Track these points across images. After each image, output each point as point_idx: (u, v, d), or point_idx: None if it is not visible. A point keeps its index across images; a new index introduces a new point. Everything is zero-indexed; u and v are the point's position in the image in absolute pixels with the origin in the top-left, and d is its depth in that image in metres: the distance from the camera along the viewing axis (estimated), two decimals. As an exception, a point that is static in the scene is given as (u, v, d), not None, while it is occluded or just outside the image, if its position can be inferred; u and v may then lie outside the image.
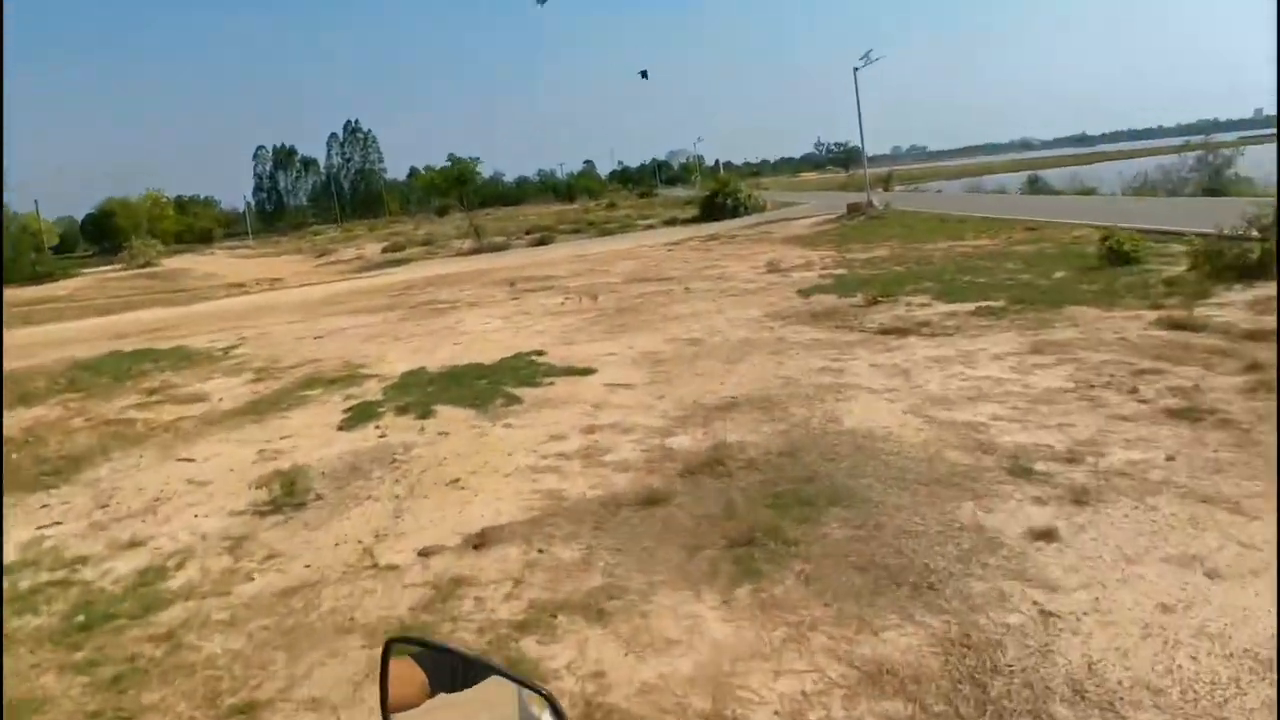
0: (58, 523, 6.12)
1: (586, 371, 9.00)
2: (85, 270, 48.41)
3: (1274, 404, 5.59)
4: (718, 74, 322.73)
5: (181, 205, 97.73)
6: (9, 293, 33.53)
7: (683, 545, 4.55)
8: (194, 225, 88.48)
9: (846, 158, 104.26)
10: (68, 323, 23.37)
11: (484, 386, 8.71)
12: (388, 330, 14.03)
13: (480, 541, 4.89)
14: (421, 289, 21.05)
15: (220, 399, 9.81)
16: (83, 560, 5.35)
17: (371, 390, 9.23)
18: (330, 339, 13.73)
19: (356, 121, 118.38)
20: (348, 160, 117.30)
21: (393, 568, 4.70)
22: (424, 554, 4.84)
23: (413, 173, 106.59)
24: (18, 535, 5.93)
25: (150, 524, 5.91)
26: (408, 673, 1.10)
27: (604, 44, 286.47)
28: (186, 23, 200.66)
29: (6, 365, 14.39)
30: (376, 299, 19.81)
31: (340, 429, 7.84)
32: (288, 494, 6.00)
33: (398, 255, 37.25)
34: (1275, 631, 3.18)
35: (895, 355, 8.41)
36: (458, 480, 6.03)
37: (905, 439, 5.91)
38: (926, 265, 14.64)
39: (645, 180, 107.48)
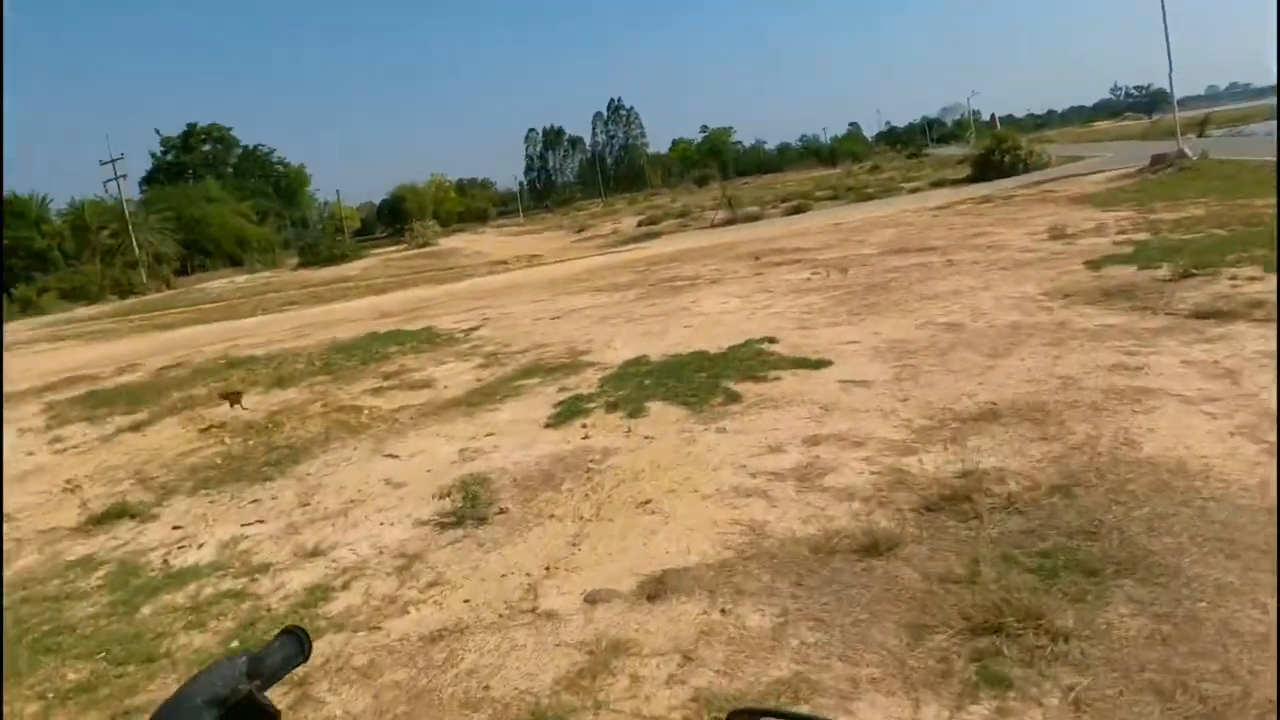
0: (260, 521, 6.06)
1: (820, 364, 7.88)
2: (376, 251, 53.37)
3: None
4: (994, 18, 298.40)
5: (461, 188, 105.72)
6: (309, 273, 37.72)
7: (906, 623, 3.44)
8: (471, 206, 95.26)
9: (1150, 102, 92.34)
10: (350, 301, 25.42)
11: (703, 380, 7.86)
12: (622, 311, 13.60)
13: (657, 591, 4.05)
14: (666, 264, 20.61)
15: (445, 386, 9.72)
16: (264, 569, 5.14)
17: (588, 381, 8.70)
18: (565, 320, 13.53)
19: (619, 100, 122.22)
20: (611, 137, 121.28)
21: (551, 616, 3.98)
22: (590, 600, 4.08)
23: (674, 145, 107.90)
24: (222, 532, 5.92)
25: (337, 529, 5.64)
26: None
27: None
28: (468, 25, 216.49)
29: (284, 341, 15.69)
30: (621, 275, 19.61)
31: (546, 426, 7.32)
32: (470, 505, 5.52)
33: (651, 229, 37.41)
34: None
35: (1216, 349, 6.55)
36: (649, 502, 5.21)
37: (1233, 476, 4.33)
38: (1256, 227, 11.85)
39: (914, 140, 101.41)
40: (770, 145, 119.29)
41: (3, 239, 28.21)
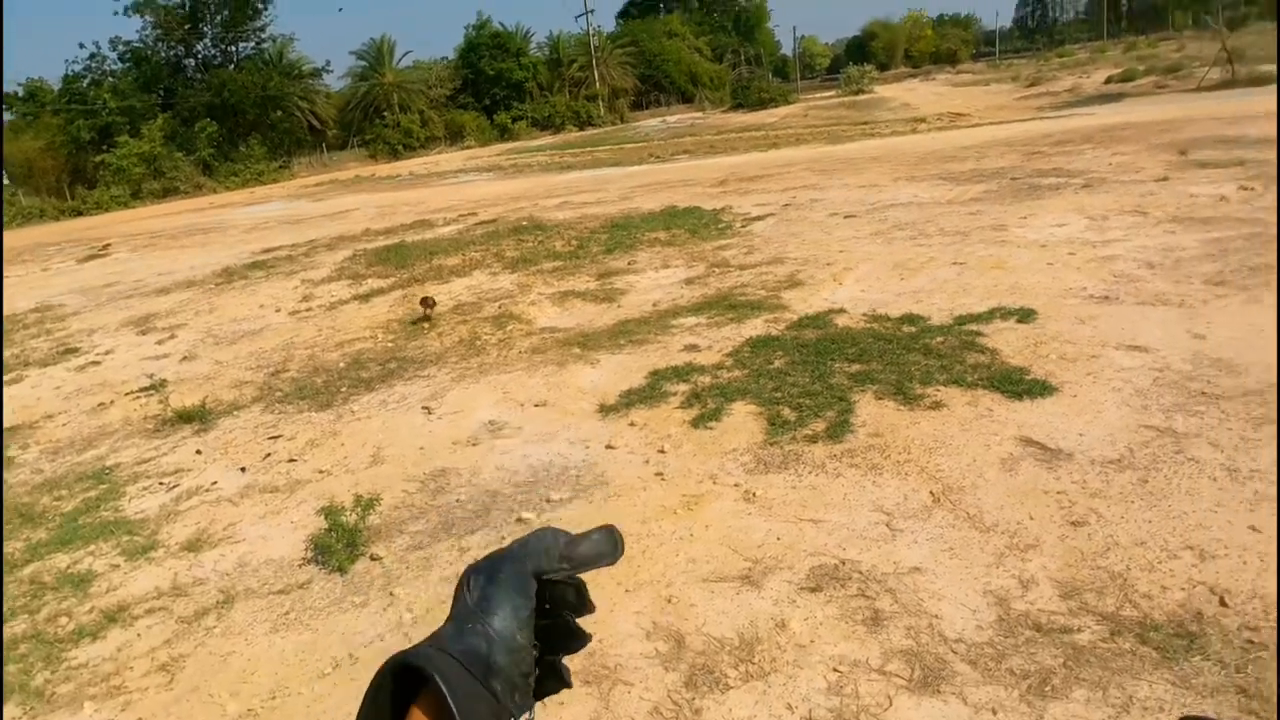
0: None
1: (1037, 390, 4.79)
2: (806, 97, 50.71)
3: None
4: None
5: (940, 25, 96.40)
6: (733, 117, 36.43)
7: None
8: (941, 47, 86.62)
9: None
10: (730, 156, 24.01)
11: (843, 379, 5.26)
12: (933, 217, 10.43)
13: None
14: (1077, 144, 15.93)
15: (620, 306, 8.10)
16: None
17: (740, 336, 6.49)
18: (861, 219, 10.78)
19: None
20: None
21: None
22: None
23: None
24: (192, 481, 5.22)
25: (239, 519, 4.60)
26: None
27: None
28: None
29: (608, 204, 14.94)
30: (1005, 157, 15.57)
31: (599, 410, 5.45)
32: (346, 544, 4.04)
33: (1119, 88, 30.16)
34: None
35: None
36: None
37: None
38: None
39: None
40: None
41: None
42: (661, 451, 4.69)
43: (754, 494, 4.05)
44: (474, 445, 5.20)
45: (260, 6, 47.91)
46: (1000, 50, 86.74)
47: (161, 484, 5.29)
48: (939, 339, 5.75)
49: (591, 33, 60.43)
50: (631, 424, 5.14)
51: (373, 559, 3.99)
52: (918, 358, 5.43)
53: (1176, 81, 28.80)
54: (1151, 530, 3.45)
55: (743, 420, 4.92)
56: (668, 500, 4.14)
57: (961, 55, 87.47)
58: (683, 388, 5.56)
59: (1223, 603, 2.98)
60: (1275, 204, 8.66)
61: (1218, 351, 5.10)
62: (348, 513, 4.18)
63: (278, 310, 10.25)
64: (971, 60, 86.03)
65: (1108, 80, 32.92)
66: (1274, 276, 6.37)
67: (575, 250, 11.22)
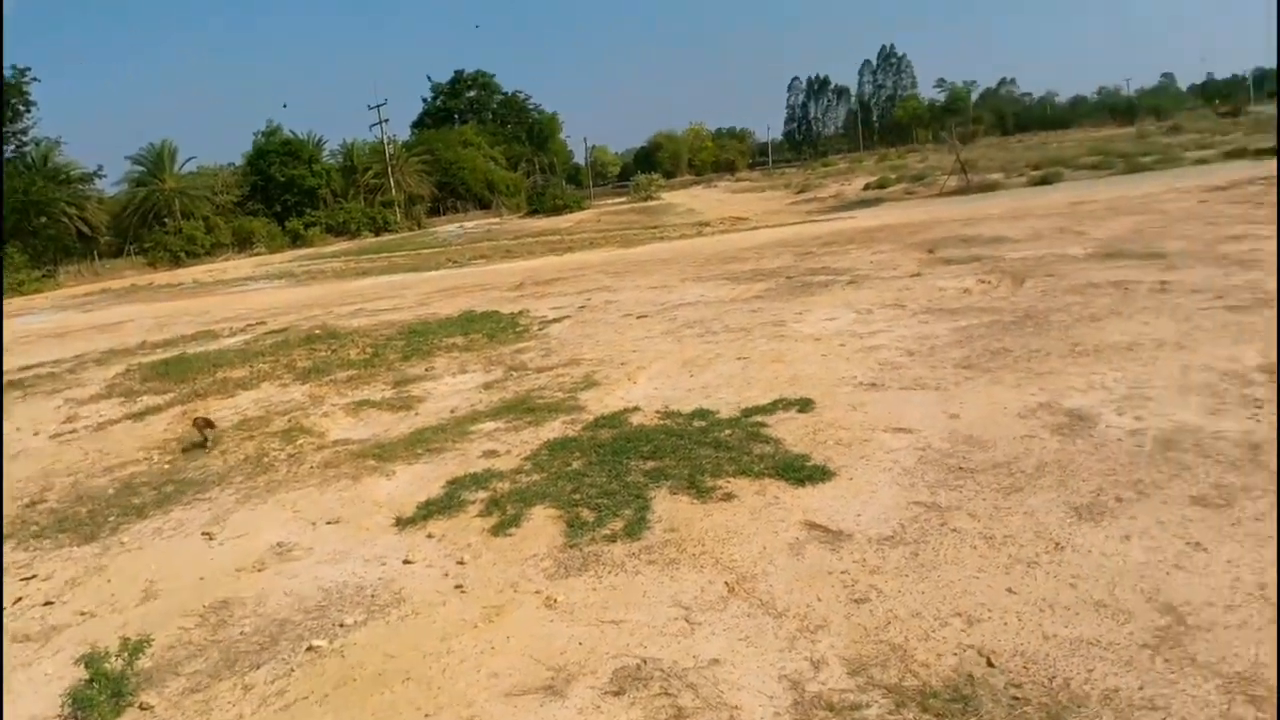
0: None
1: (815, 475, 5.10)
2: (603, 202, 52.79)
3: None
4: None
5: (719, 137, 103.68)
6: (530, 222, 37.30)
7: None
8: (721, 157, 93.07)
9: None
10: (526, 261, 24.40)
11: (639, 476, 5.39)
12: (718, 315, 11.04)
13: None
14: (841, 245, 17.45)
15: (416, 414, 7.94)
16: None
17: (538, 440, 6.52)
18: (652, 319, 11.22)
19: (892, 47, 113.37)
20: (879, 87, 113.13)
21: None
22: None
23: (900, 103, 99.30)
24: None
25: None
26: None
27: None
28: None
29: (406, 309, 14.66)
30: (780, 258, 16.75)
31: (397, 523, 5.28)
32: (111, 695, 3.62)
33: (876, 194, 33.48)
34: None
35: None
36: None
37: None
38: None
39: (1235, 96, 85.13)
40: (1062, 97, 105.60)
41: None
42: (461, 563, 4.58)
43: (555, 600, 4.03)
44: (260, 570, 4.86)
45: (21, 109, 44.57)
46: (773, 160, 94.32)
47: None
48: (727, 431, 6.04)
49: (386, 141, 60.41)
50: (429, 536, 5.00)
51: (142, 709, 3.60)
52: (709, 451, 5.66)
53: (923, 188, 32.36)
54: (924, 601, 3.72)
55: (542, 524, 4.91)
56: (468, 613, 4.03)
57: (739, 164, 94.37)
58: (482, 495, 5.49)
59: (989, 663, 3.24)
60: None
61: (969, 429, 5.66)
62: (112, 658, 3.76)
63: (35, 434, 9.25)
64: (749, 169, 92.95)
65: (865, 187, 36.49)
66: (1010, 360, 7.20)
67: (371, 358, 10.93)
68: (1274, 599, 3.44)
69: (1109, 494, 4.51)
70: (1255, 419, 5.27)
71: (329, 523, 5.43)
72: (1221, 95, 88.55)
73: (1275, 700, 2.72)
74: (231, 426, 8.26)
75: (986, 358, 7.37)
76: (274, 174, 53.61)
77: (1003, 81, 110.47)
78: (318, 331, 13.85)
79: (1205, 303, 8.38)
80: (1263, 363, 6.31)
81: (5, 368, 14.27)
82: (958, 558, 4.06)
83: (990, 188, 28.08)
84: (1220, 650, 3.17)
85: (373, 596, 4.34)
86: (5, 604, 4.89)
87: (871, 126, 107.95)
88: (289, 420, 8.24)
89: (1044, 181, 27.57)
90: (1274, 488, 4.34)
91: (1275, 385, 5.76)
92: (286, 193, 53.96)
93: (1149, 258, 11.29)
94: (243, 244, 48.84)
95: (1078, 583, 3.75)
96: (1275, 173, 12.91)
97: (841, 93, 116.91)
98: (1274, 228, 12.44)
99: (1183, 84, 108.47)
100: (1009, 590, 3.76)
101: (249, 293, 24.91)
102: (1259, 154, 25.95)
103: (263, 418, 8.47)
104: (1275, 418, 5.06)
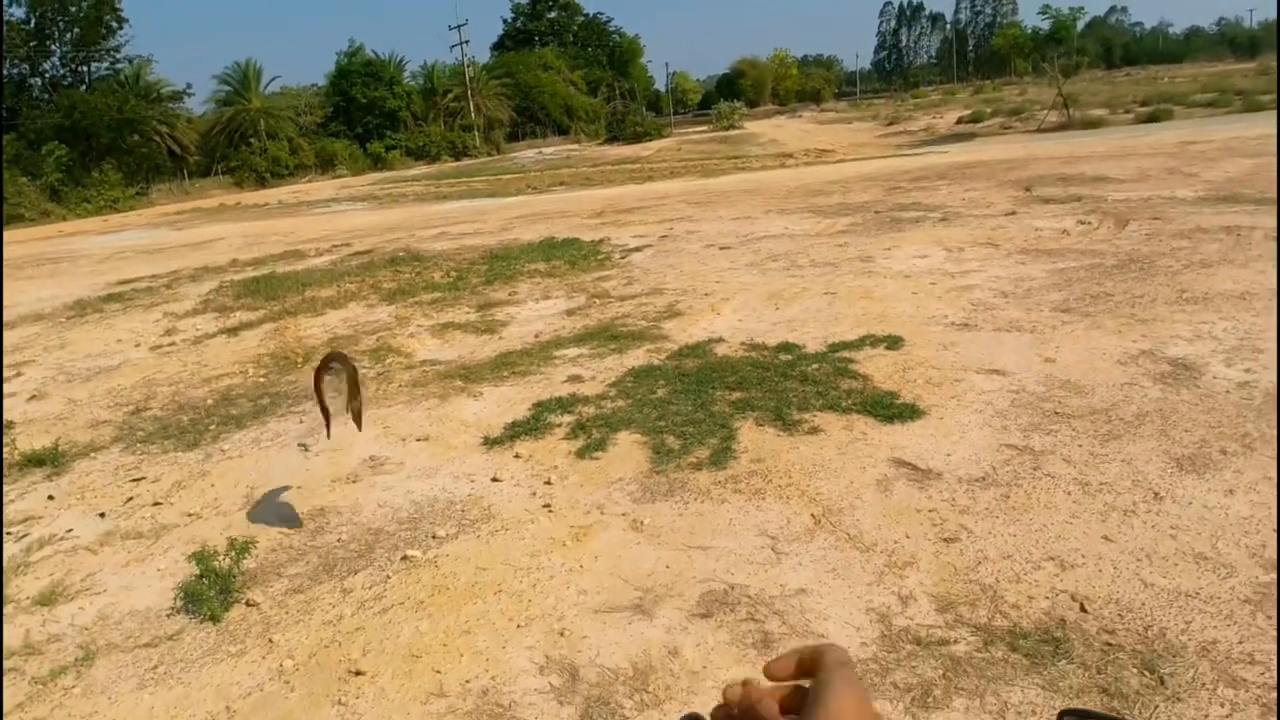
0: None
1: (906, 414, 5.03)
2: (684, 131, 51.92)
3: None
4: None
5: (804, 65, 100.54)
6: (608, 150, 37.07)
7: None
8: (807, 86, 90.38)
9: None
10: (605, 189, 24.27)
11: (725, 406, 5.40)
12: (802, 248, 10.85)
13: None
14: (932, 180, 16.91)
15: (501, 337, 8.06)
16: None
17: (623, 366, 6.56)
18: (737, 250, 11.11)
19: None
20: (978, 13, 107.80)
21: None
22: None
23: (999, 30, 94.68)
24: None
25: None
26: None
27: None
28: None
29: (485, 235, 14.80)
30: (868, 191, 16.35)
31: (484, 443, 5.40)
32: (220, 591, 3.84)
33: (970, 128, 32.20)
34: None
35: None
36: (360, 673, 3.24)
37: None
38: None
39: (1372, 27, 78.55)
40: (1177, 29, 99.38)
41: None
42: (548, 483, 4.67)
43: (642, 523, 4.09)
44: (354, 482, 5.05)
45: (114, 26, 45.54)
46: (860, 90, 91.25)
47: (9, 534, 4.89)
48: (814, 366, 5.97)
49: (467, 64, 60.21)
50: (517, 456, 5.10)
51: (249, 605, 3.80)
52: (795, 384, 5.62)
53: (1020, 123, 31.00)
54: (1016, 543, 3.66)
55: (628, 449, 4.96)
56: (556, 532, 4.13)
57: (825, 94, 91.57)
58: (567, 419, 5.56)
59: (1083, 609, 3.19)
60: (1117, 233, 9.41)
61: (1066, 374, 5.48)
62: (220, 557, 3.97)
63: (137, 345, 9.69)
64: (835, 99, 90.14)
65: (959, 121, 35.10)
66: (1112, 305, 6.93)
67: (454, 281, 11.09)
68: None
69: (1213, 446, 4.34)
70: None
71: (419, 440, 5.59)
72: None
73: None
74: (321, 344, 8.51)
75: (1086, 302, 7.09)
76: (356, 95, 53.94)
77: (1112, 9, 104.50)
78: (402, 254, 14.09)
79: (1329, 250, 7.90)
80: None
81: (107, 280, 14.92)
82: (1051, 502, 3.97)
83: (1093, 124, 26.71)
84: (1333, 611, 3.06)
85: (463, 511, 4.47)
86: (117, 502, 5.18)
87: (966, 56, 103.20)
88: (377, 340, 8.45)
89: (1152, 119, 26.08)
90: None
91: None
92: (368, 114, 54.34)
93: (1265, 203, 10.65)
94: (325, 165, 49.63)
95: (1177, 534, 3.64)
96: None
97: (936, 19, 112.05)
98: None
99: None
100: (1105, 538, 3.67)
101: (333, 214, 25.39)
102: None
103: (351, 336, 8.70)
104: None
